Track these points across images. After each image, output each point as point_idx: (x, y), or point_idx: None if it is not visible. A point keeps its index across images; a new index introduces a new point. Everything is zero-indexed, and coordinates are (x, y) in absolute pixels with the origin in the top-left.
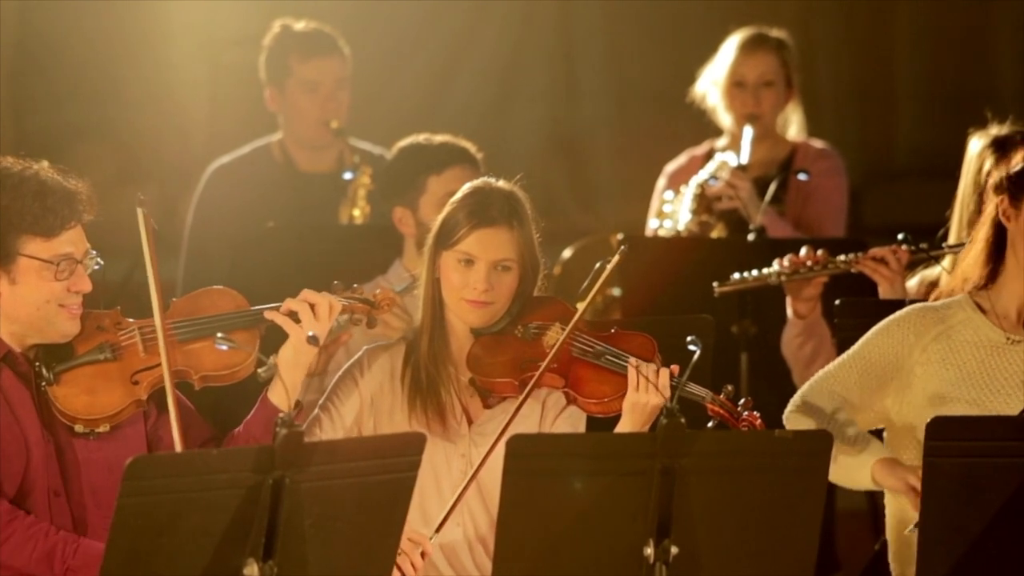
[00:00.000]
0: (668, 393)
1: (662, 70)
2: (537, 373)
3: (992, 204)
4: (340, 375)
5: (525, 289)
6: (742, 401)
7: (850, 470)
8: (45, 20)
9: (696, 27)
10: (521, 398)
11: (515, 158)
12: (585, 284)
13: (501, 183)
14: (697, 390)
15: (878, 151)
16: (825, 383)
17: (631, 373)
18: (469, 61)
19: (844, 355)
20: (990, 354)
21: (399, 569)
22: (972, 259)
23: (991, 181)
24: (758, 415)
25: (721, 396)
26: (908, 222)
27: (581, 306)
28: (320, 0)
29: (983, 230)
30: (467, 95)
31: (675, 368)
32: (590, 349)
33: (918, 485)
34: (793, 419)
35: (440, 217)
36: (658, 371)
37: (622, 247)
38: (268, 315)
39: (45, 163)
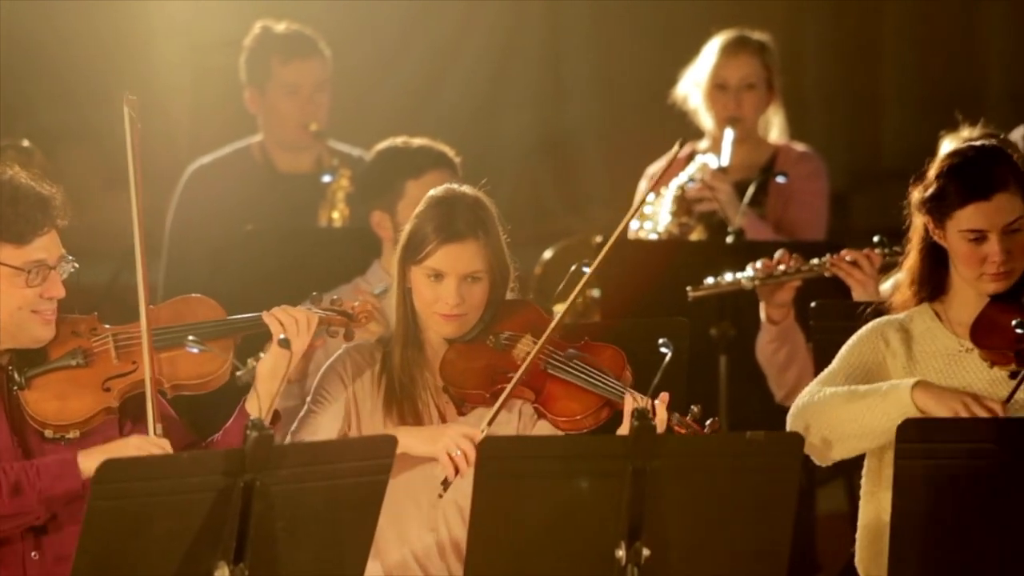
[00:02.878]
0: (664, 426)
1: (651, 73)
2: (505, 393)
3: (919, 220)
4: (324, 372)
5: (496, 296)
6: (709, 422)
7: (887, 409)
8: (28, 24)
9: (685, 30)
10: (492, 412)
11: (503, 161)
12: (560, 287)
13: (466, 189)
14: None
15: (865, 153)
16: (818, 387)
17: (627, 409)
18: (458, 64)
19: (826, 371)
20: (948, 364)
21: (454, 463)
22: (912, 276)
23: (912, 199)
24: None
25: (687, 418)
26: (895, 225)
27: (553, 321)
28: (307, 2)
29: (916, 245)
30: (455, 98)
31: (665, 396)
32: (562, 365)
33: (975, 408)
34: (797, 420)
35: (407, 229)
36: (654, 404)
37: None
38: (267, 318)
39: (18, 168)
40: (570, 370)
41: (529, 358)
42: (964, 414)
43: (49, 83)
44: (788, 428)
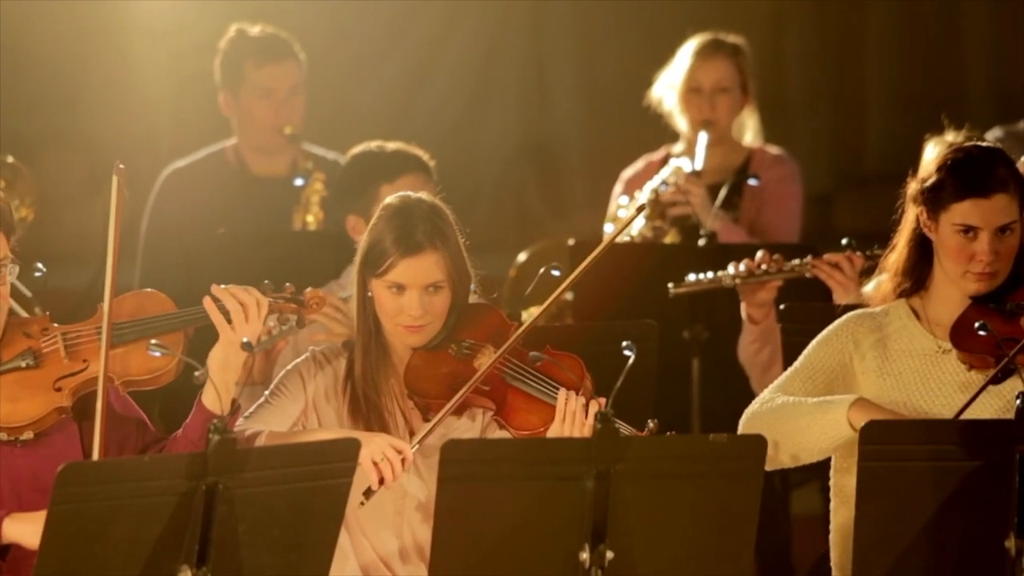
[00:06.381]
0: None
1: (635, 77)
2: (455, 400)
3: (912, 213)
4: (287, 371)
5: (458, 301)
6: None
7: (824, 427)
8: (8, 29)
9: (669, 34)
10: (430, 426)
11: (487, 165)
12: (530, 289)
13: (422, 196)
14: (622, 428)
15: (848, 156)
16: (773, 394)
17: (559, 405)
18: (441, 67)
19: (789, 369)
20: (923, 363)
21: (380, 473)
22: (896, 268)
23: (909, 191)
24: None
25: (644, 432)
26: (878, 227)
27: (514, 327)
28: (288, 3)
29: (904, 237)
30: (438, 101)
31: (602, 400)
32: (520, 376)
33: None
34: (748, 426)
35: (365, 241)
36: (587, 405)
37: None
38: (207, 306)
39: None
40: (530, 382)
41: (482, 371)
42: None
43: (30, 88)
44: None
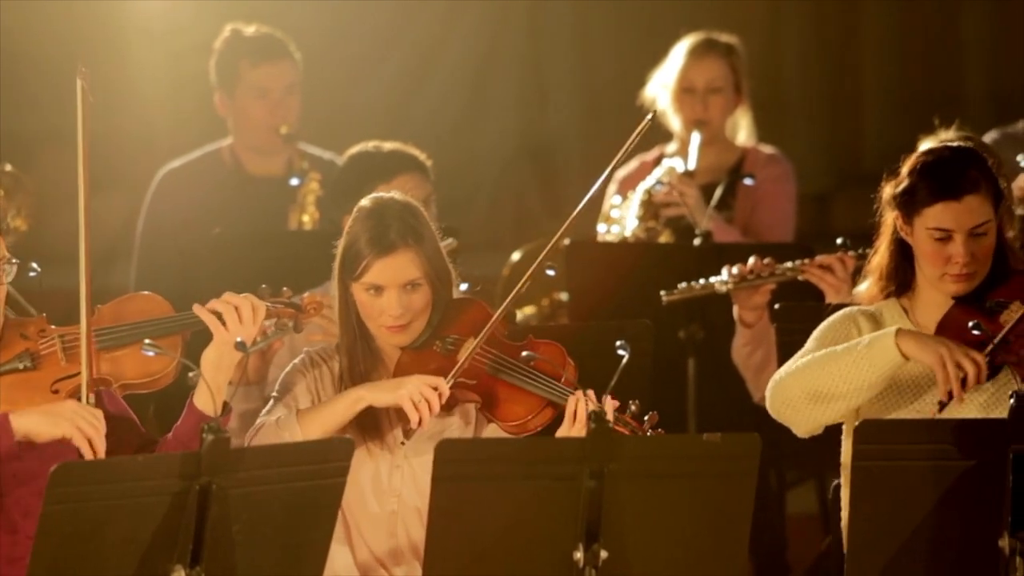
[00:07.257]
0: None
1: (633, 78)
2: (464, 361)
3: (890, 217)
4: (287, 372)
5: (440, 298)
6: (646, 417)
7: (873, 360)
8: (5, 27)
9: (667, 34)
10: (458, 368)
11: (485, 166)
12: (520, 284)
13: (394, 195)
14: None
15: (846, 155)
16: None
17: (569, 408)
18: (439, 68)
19: (802, 350)
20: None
21: (419, 412)
22: (879, 272)
23: (884, 195)
24: (662, 432)
25: (626, 415)
26: (876, 227)
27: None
28: (286, 3)
29: (884, 241)
30: (437, 102)
31: (616, 401)
32: (503, 367)
33: (958, 356)
34: (777, 391)
35: (341, 245)
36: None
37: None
38: (196, 310)
39: None
40: (513, 372)
41: (465, 359)
42: (947, 361)
43: (28, 88)
44: (768, 402)
